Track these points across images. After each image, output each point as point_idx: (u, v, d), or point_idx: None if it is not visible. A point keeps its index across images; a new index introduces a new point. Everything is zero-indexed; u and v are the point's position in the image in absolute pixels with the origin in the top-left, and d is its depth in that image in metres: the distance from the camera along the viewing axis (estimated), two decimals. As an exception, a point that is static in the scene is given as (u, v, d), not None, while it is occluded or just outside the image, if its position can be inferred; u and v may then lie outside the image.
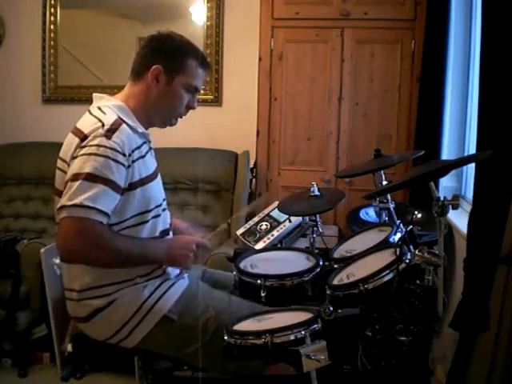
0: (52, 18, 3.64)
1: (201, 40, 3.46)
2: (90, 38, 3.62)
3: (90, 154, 1.52)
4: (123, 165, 1.55)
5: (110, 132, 1.55)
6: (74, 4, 3.64)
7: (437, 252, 1.48)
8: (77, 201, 1.47)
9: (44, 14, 3.64)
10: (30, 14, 3.66)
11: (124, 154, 1.55)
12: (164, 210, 1.75)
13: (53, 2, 3.62)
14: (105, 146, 1.52)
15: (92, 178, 1.50)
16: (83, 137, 1.56)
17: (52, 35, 3.65)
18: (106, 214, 1.51)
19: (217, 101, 3.55)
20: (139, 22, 3.57)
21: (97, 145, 1.53)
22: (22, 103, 3.74)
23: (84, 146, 1.54)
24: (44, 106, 3.73)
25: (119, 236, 1.59)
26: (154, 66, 1.67)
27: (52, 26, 3.64)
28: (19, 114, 3.73)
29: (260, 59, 3.19)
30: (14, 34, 3.70)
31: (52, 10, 3.63)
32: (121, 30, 3.59)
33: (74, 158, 1.55)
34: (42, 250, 2.54)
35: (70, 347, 1.84)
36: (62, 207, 1.49)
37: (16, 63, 3.72)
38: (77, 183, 1.49)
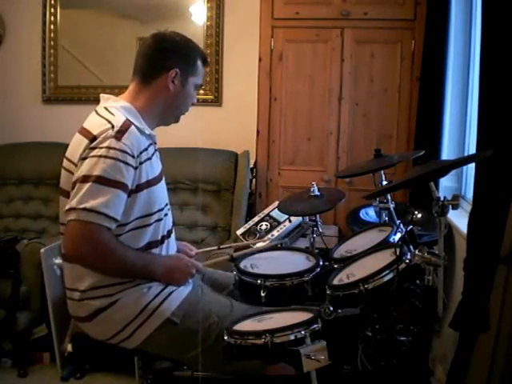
0: (52, 18, 3.64)
1: (201, 40, 3.45)
2: (90, 38, 3.62)
3: (100, 156, 1.52)
4: (132, 166, 1.55)
5: (120, 133, 1.55)
6: (73, 4, 3.64)
7: (437, 252, 1.48)
8: (87, 205, 1.48)
9: (44, 14, 3.64)
10: (30, 14, 3.66)
11: (133, 156, 1.55)
12: (166, 215, 1.74)
13: (53, 2, 3.63)
14: (115, 148, 1.52)
15: (102, 181, 1.50)
16: (92, 138, 1.56)
17: (52, 35, 3.65)
18: (114, 219, 1.52)
19: (217, 101, 3.55)
20: (139, 22, 3.57)
21: (107, 147, 1.52)
22: (22, 103, 3.74)
23: (94, 148, 1.54)
24: (44, 106, 3.72)
25: (124, 246, 1.60)
26: (172, 70, 1.67)
27: (52, 26, 3.65)
28: (19, 114, 3.73)
29: (260, 59, 3.19)
30: (14, 34, 3.70)
31: (52, 9, 3.63)
32: (121, 29, 3.59)
33: (83, 158, 1.55)
34: (42, 250, 2.54)
35: (70, 347, 1.85)
36: (71, 209, 1.49)
37: (16, 63, 3.72)
38: (87, 185, 1.49)
